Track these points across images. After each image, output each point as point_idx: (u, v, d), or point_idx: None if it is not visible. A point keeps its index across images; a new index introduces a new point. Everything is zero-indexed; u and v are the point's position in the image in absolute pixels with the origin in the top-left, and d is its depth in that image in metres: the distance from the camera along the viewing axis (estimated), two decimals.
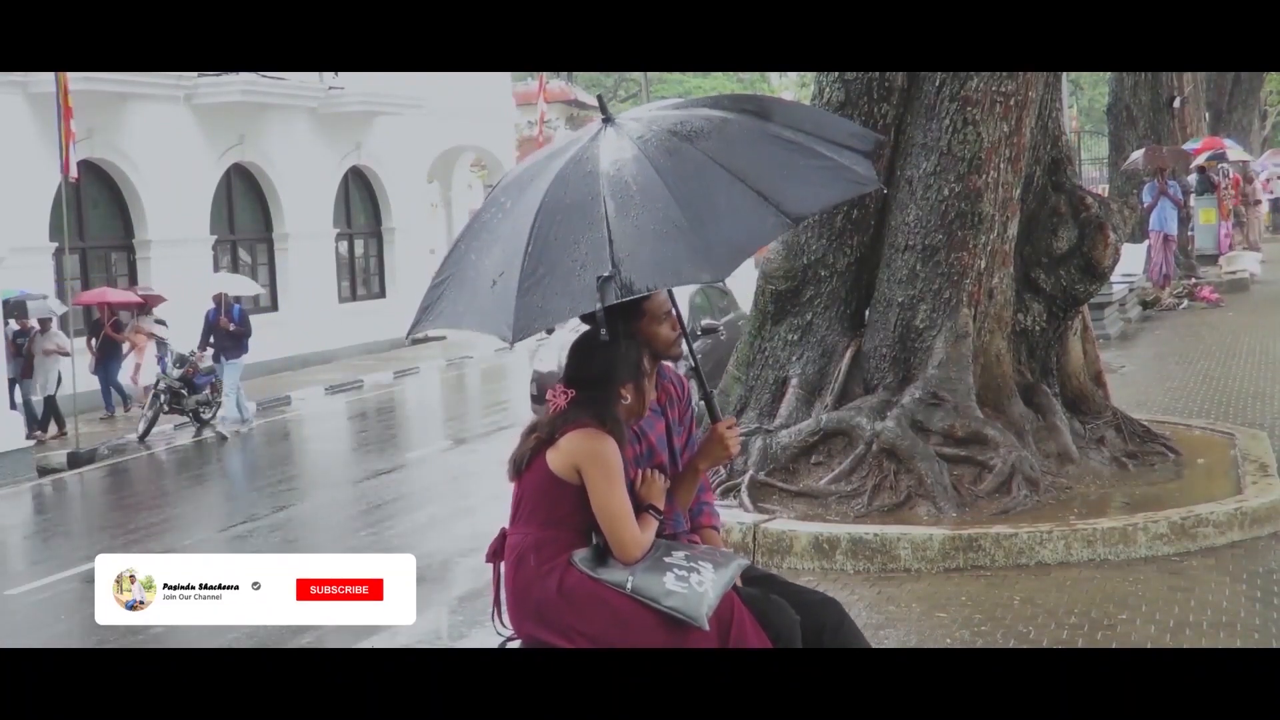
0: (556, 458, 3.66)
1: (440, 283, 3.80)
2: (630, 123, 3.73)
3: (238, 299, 16.79)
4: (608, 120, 3.73)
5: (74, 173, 15.67)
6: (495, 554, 3.78)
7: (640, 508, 3.72)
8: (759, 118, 3.77)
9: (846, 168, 3.72)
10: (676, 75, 42.11)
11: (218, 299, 16.21)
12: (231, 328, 16.05)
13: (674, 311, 3.95)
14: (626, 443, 3.77)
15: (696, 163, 3.55)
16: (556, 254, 3.45)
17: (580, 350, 3.79)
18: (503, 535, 3.79)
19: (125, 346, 17.62)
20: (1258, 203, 27.38)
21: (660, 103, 4.07)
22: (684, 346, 4.03)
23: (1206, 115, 27.65)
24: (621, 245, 3.38)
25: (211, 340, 16.11)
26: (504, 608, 3.76)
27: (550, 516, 3.68)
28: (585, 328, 3.74)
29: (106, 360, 17.31)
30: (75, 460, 14.57)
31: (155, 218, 19.63)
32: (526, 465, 3.72)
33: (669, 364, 4.08)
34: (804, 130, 3.77)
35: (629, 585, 3.59)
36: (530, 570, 3.66)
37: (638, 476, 3.79)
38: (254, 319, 21.55)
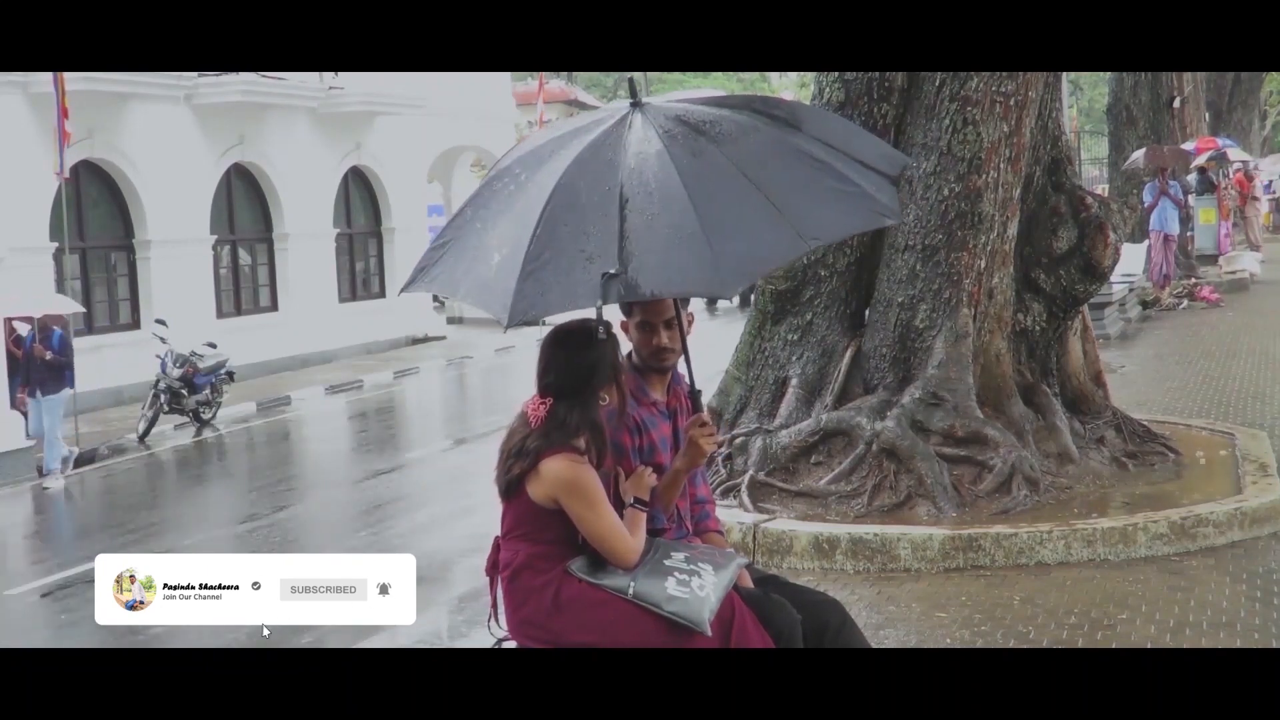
0: (536, 488, 3.61)
1: (441, 245, 3.69)
2: (659, 113, 3.61)
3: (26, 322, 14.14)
4: (636, 104, 3.63)
5: (65, 173, 15.62)
6: (494, 567, 3.77)
7: (624, 504, 3.69)
8: (790, 127, 3.67)
9: (871, 196, 3.60)
10: (676, 75, 42.00)
11: (39, 323, 14.01)
12: (48, 356, 13.74)
13: (671, 320, 3.87)
14: (621, 433, 3.75)
15: (720, 168, 3.46)
16: (564, 241, 3.36)
17: (553, 357, 3.68)
18: (497, 546, 3.77)
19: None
20: (1256, 199, 27.36)
21: (693, 93, 4.02)
22: (671, 358, 3.96)
23: (1206, 115, 27.64)
24: (632, 244, 3.30)
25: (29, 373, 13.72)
26: (500, 612, 3.76)
27: (540, 537, 3.65)
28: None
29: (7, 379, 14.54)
30: (75, 460, 14.55)
31: (155, 218, 19.61)
32: (513, 491, 3.68)
33: (683, 374, 4.05)
34: (833, 146, 3.67)
35: (630, 591, 3.58)
36: (524, 586, 3.65)
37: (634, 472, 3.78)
38: (254, 319, 21.78)
